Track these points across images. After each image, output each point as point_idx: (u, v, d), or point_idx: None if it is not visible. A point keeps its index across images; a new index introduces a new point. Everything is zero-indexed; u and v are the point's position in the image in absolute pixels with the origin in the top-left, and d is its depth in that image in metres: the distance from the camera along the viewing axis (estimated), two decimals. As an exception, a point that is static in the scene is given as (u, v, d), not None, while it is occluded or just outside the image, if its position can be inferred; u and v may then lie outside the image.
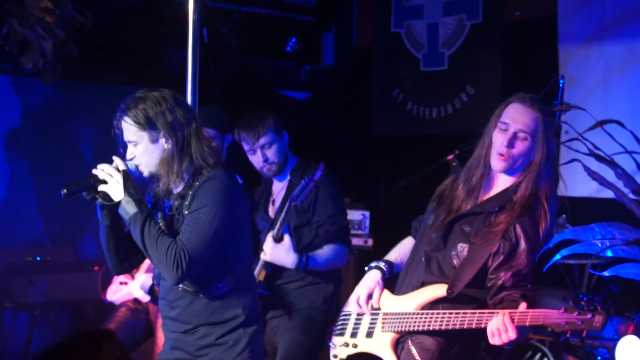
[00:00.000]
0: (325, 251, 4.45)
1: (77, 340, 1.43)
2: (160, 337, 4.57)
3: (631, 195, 2.70)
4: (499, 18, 6.13)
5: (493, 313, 3.13)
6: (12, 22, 5.42)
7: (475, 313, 3.18)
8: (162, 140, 3.28)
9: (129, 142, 3.31)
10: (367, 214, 6.45)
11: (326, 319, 4.40)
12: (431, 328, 3.30)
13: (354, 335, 3.65)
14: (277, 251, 4.30)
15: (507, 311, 3.04)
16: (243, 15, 6.88)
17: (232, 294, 3.37)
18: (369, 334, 3.58)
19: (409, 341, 3.43)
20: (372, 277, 3.63)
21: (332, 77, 7.46)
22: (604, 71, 5.48)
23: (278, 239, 4.30)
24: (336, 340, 3.74)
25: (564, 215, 4.40)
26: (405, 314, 3.42)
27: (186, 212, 3.27)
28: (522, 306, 3.06)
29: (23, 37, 5.45)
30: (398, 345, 3.48)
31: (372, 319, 3.59)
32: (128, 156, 3.32)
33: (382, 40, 6.89)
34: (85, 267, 6.24)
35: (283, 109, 6.87)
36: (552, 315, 3.00)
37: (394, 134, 6.83)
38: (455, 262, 3.36)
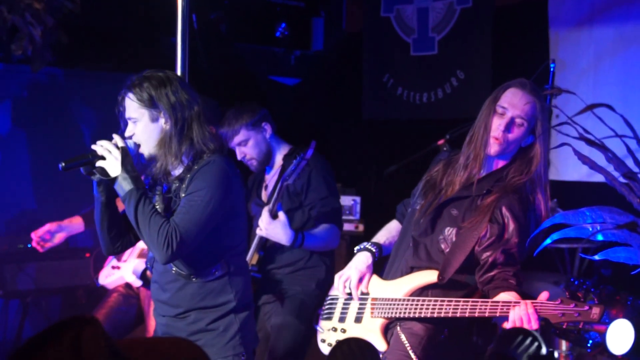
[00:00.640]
0: (320, 230, 4.46)
1: (57, 327, 1.40)
2: (152, 323, 4.57)
3: (621, 179, 2.71)
4: (489, 2, 6.12)
5: (487, 302, 3.13)
6: (0, 9, 5.40)
7: (468, 302, 3.17)
8: (162, 121, 3.30)
9: (130, 119, 3.33)
10: (358, 199, 6.46)
11: (319, 303, 4.40)
12: (422, 315, 3.30)
13: (342, 319, 3.64)
14: (273, 227, 4.29)
15: (529, 301, 3.02)
16: (232, 0, 6.86)
17: (224, 279, 3.37)
18: (358, 319, 3.57)
19: (398, 327, 3.42)
20: (362, 260, 3.60)
21: (322, 62, 7.44)
22: (595, 55, 5.48)
23: (273, 215, 4.29)
24: (324, 324, 3.73)
25: (555, 200, 4.42)
26: (395, 300, 3.42)
27: (182, 195, 3.28)
28: (543, 295, 3.05)
29: (12, 23, 5.43)
30: (387, 330, 3.48)
31: (360, 304, 3.58)
32: (127, 133, 3.33)
33: (371, 25, 6.87)
34: (77, 254, 6.23)
35: (273, 95, 6.87)
36: (549, 307, 3.00)
37: (385, 119, 6.82)
38: (442, 246, 3.36)
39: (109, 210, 3.38)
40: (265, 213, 4.29)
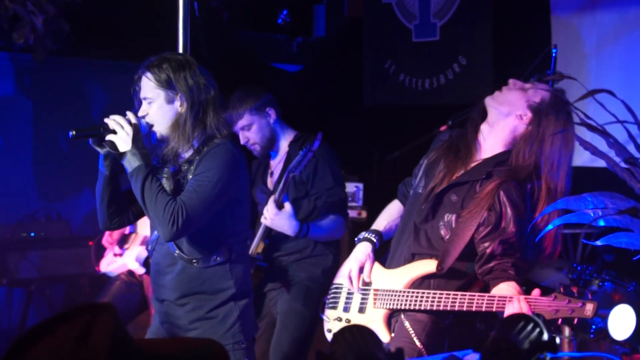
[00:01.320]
0: (325, 221, 4.47)
1: (70, 313, 1.42)
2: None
3: (623, 164, 2.70)
4: (491, -13, 6.10)
5: (483, 297, 3.14)
6: (2, -2, 5.40)
7: (465, 295, 3.19)
8: (177, 103, 3.31)
9: (145, 99, 3.34)
10: (361, 186, 6.46)
11: (324, 290, 4.40)
12: (421, 307, 3.31)
13: (346, 309, 3.65)
14: (279, 217, 4.29)
15: (523, 297, 3.04)
16: (234, -13, 6.85)
17: (225, 266, 3.38)
18: (361, 310, 3.58)
19: (402, 315, 3.43)
20: (362, 250, 3.61)
21: (324, 49, 7.43)
22: (597, 40, 5.46)
23: (279, 206, 4.30)
24: (329, 313, 3.73)
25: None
26: (396, 291, 3.42)
27: (190, 177, 3.29)
28: (535, 292, 3.06)
29: (14, 12, 5.44)
30: (391, 319, 3.49)
31: (363, 294, 3.59)
32: (140, 113, 3.34)
33: (373, 11, 6.85)
34: (80, 242, 6.25)
35: (275, 82, 6.86)
36: (543, 303, 3.01)
37: (387, 105, 6.81)
38: (443, 232, 3.36)
39: (112, 185, 3.38)
40: (271, 203, 4.29)
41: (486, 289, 3.27)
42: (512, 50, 5.74)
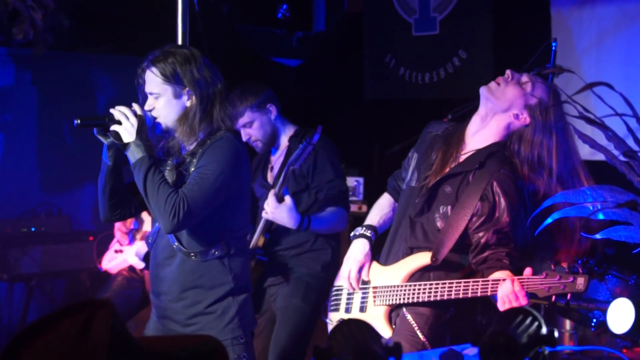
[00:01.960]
0: (326, 213, 4.46)
1: (70, 308, 1.43)
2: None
3: (622, 158, 2.71)
4: (491, -19, 6.10)
5: (477, 282, 3.15)
6: (1, -7, 5.40)
7: (460, 283, 3.19)
8: (185, 97, 3.31)
9: (151, 94, 3.33)
10: (361, 180, 6.45)
11: (325, 286, 4.40)
12: (419, 300, 3.32)
13: (347, 310, 3.64)
14: (280, 211, 4.28)
15: (515, 278, 3.05)
16: (233, -18, 6.84)
17: (223, 260, 3.37)
18: (362, 309, 3.58)
19: (404, 308, 3.43)
20: (360, 249, 3.60)
21: (324, 43, 7.42)
22: (597, 33, 5.46)
23: (279, 199, 4.29)
24: (332, 316, 3.73)
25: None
26: (394, 287, 3.43)
27: (192, 169, 3.28)
28: (527, 271, 3.07)
29: (13, 7, 5.43)
30: (392, 314, 3.49)
31: (363, 293, 3.59)
32: (146, 107, 3.33)
33: (373, 5, 6.84)
34: (81, 237, 6.26)
35: (275, 77, 6.85)
36: (534, 281, 3.02)
37: (387, 99, 6.81)
38: (439, 224, 3.36)
39: (114, 176, 3.37)
40: (271, 197, 4.29)
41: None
42: (512, 44, 5.73)
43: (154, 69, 3.30)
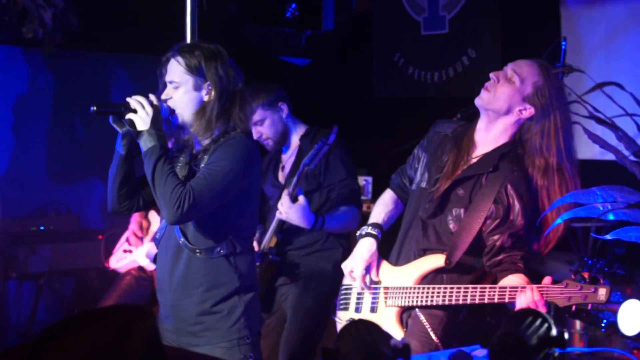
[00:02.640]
0: (339, 212, 4.46)
1: (113, 309, 1.42)
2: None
3: (632, 158, 2.69)
4: (500, -21, 6.08)
5: (494, 288, 3.12)
6: (11, -8, 5.40)
7: (477, 288, 3.17)
8: (204, 91, 3.32)
9: (171, 82, 3.34)
10: (370, 179, 6.45)
11: (336, 285, 4.39)
12: (433, 303, 3.29)
13: (357, 310, 3.62)
14: (294, 211, 4.28)
15: (535, 287, 3.02)
16: (242, -19, 6.83)
17: (229, 258, 3.37)
18: (373, 309, 3.55)
19: (417, 309, 3.40)
20: (366, 248, 3.57)
21: (333, 42, 7.41)
22: (607, 32, 5.43)
23: (293, 199, 4.29)
24: (341, 315, 3.71)
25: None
26: (406, 288, 3.40)
27: (203, 165, 3.29)
28: (546, 280, 3.04)
29: (23, 6, 5.43)
30: (403, 315, 3.47)
31: (373, 293, 3.56)
32: (163, 96, 3.34)
33: (381, 4, 6.83)
34: (89, 236, 6.27)
35: (283, 75, 6.85)
36: (555, 290, 2.99)
37: (395, 98, 6.80)
38: (451, 226, 3.34)
39: (126, 166, 3.38)
40: (285, 197, 4.29)
41: (497, 282, 3.26)
42: (521, 43, 5.71)
43: (179, 58, 3.32)
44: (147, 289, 5.32)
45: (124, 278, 5.37)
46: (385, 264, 3.58)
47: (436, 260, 3.36)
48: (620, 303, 3.71)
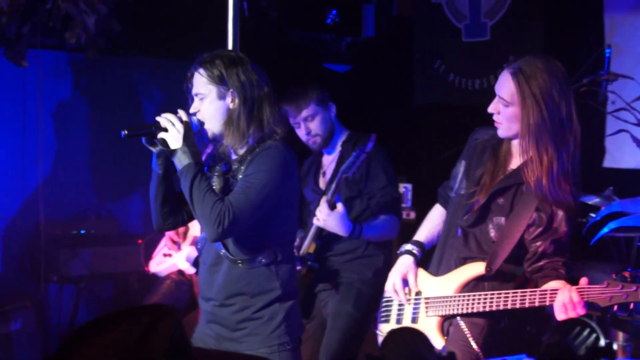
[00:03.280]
0: (378, 221, 4.45)
1: (138, 309, 1.45)
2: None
3: (680, 167, 2.66)
4: (542, -13, 6.03)
5: (535, 292, 3.10)
6: (55, -2, 5.46)
7: (517, 293, 3.14)
8: (229, 99, 3.31)
9: (197, 95, 3.34)
10: (409, 186, 6.43)
11: (376, 292, 4.36)
12: (474, 310, 3.27)
13: (399, 321, 3.62)
14: (332, 218, 4.28)
15: (574, 287, 3.00)
16: (283, -13, 6.85)
17: (271, 267, 3.35)
18: (414, 320, 3.54)
19: (458, 317, 3.39)
20: (403, 262, 3.59)
21: (373, 48, 7.41)
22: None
23: (331, 207, 4.28)
24: (383, 327, 3.70)
25: (611, 188, 4.34)
26: (447, 297, 3.39)
27: (240, 177, 3.28)
28: (583, 281, 3.02)
29: (66, 12, 5.48)
30: (445, 324, 3.45)
31: (415, 304, 3.56)
32: (192, 110, 3.34)
33: (422, 11, 6.81)
34: (129, 240, 6.30)
35: (324, 82, 6.85)
36: (595, 290, 2.97)
37: (436, 105, 6.77)
38: (492, 235, 3.32)
39: (165, 184, 3.38)
40: (323, 204, 4.28)
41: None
42: (564, 51, 5.66)
43: (201, 70, 3.32)
44: (186, 293, 5.34)
45: (164, 282, 5.39)
46: (425, 275, 3.57)
47: (477, 268, 3.34)
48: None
